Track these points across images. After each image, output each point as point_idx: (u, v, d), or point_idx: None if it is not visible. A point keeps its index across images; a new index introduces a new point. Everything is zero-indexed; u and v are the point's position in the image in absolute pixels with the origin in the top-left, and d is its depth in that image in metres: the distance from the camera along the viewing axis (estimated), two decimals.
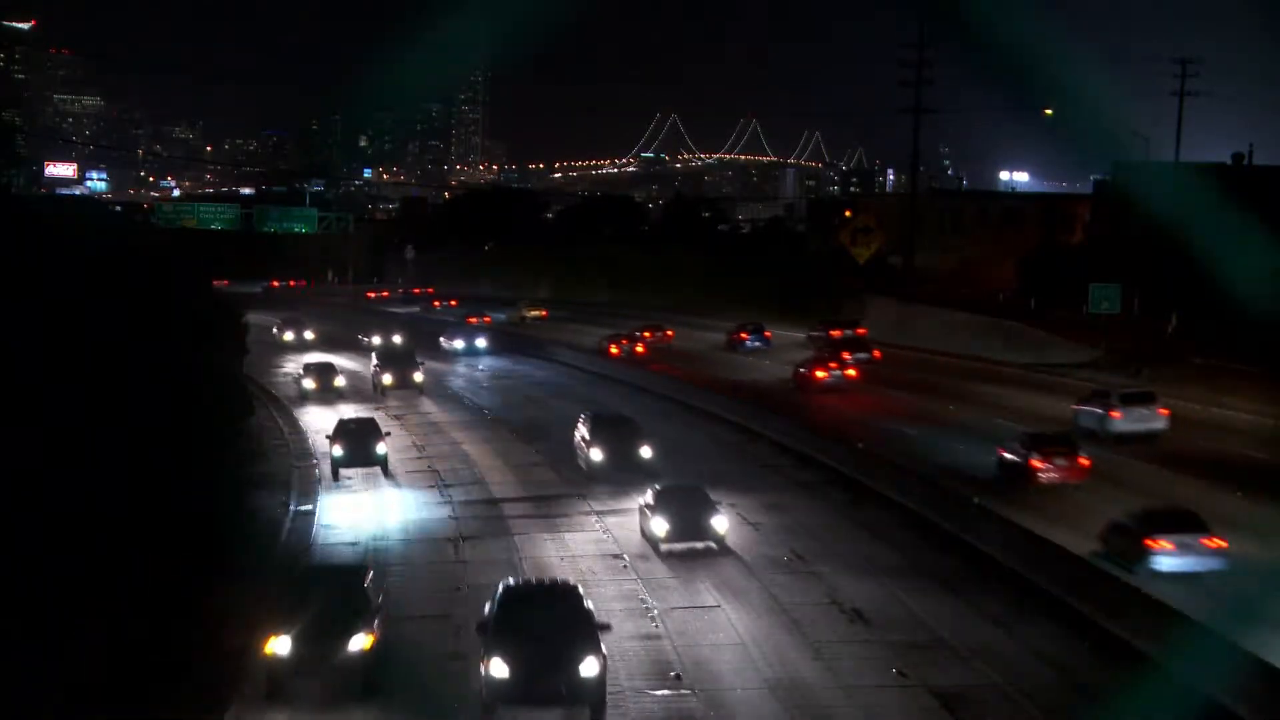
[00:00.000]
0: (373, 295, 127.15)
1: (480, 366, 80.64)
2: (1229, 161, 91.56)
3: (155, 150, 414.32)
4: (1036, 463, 41.73)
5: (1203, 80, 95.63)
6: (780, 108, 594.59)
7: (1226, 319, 57.06)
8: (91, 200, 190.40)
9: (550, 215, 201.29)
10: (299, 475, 48.50)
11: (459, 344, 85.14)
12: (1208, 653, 23.69)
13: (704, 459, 48.68)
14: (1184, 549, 31.45)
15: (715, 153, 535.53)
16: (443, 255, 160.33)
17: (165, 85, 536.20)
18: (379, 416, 55.12)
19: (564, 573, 32.70)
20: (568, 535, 39.13)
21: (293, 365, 75.87)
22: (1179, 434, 49.22)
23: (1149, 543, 31.60)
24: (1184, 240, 54.89)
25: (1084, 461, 42.18)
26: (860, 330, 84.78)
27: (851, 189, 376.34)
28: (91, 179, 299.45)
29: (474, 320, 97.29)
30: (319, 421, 57.49)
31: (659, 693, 26.03)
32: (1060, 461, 41.82)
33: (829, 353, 71.42)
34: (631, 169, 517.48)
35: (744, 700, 25.61)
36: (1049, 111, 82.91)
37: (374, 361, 69.71)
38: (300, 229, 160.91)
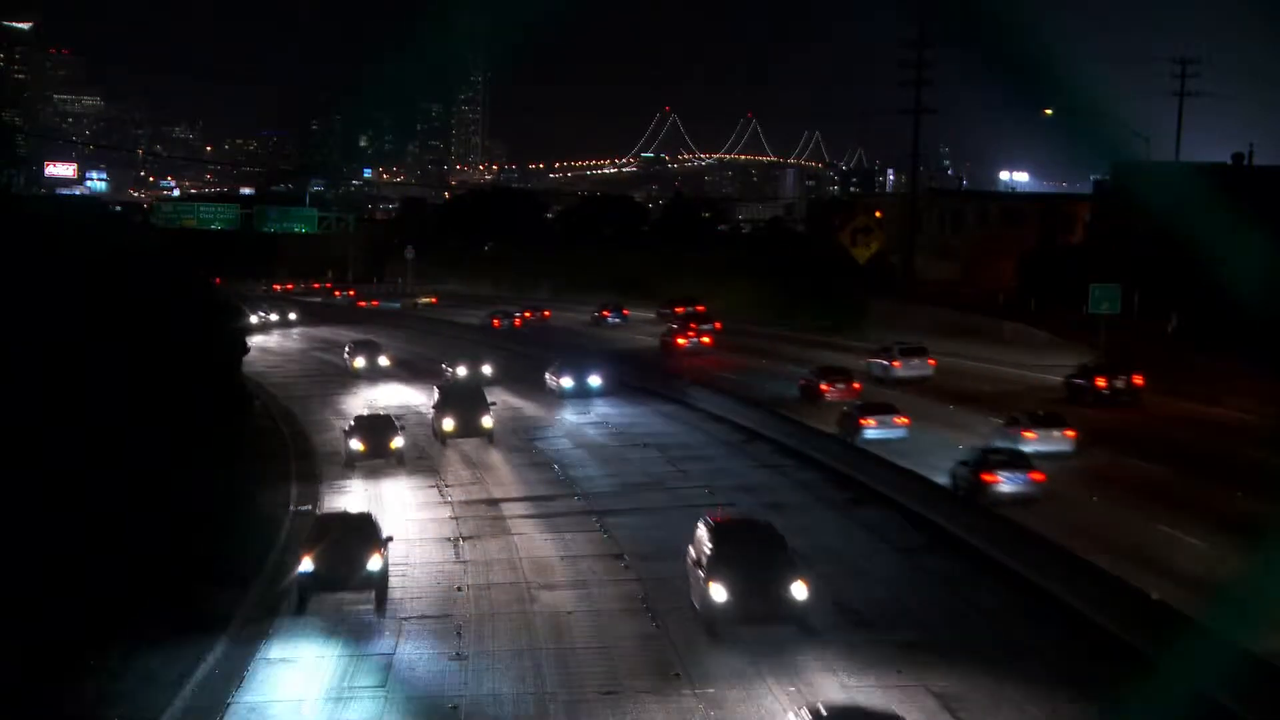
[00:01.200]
0: (499, 324, 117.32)
1: (592, 414, 61.85)
2: (1229, 161, 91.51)
3: (155, 150, 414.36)
4: (824, 386, 60.86)
5: (1203, 80, 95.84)
6: (780, 108, 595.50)
7: (1226, 319, 57.11)
8: (92, 200, 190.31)
9: (550, 215, 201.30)
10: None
11: (567, 382, 66.73)
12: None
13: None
14: (882, 424, 51.10)
15: (715, 153, 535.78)
16: (443, 255, 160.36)
17: (165, 85, 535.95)
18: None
19: None
20: None
21: (360, 401, 67.38)
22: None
23: (861, 421, 51.04)
24: (1184, 240, 54.92)
25: (856, 386, 60.66)
26: (700, 308, 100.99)
27: (851, 189, 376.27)
28: (91, 179, 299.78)
29: (363, 305, 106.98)
30: (356, 502, 43.53)
31: (659, 693, 26.04)
32: (839, 385, 60.58)
33: (689, 323, 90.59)
34: (631, 169, 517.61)
35: (744, 700, 25.62)
36: (1049, 111, 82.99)
37: (434, 400, 57.69)
38: (300, 229, 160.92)
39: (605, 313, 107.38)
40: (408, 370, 79.78)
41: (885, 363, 67.61)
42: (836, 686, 26.08)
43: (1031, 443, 46.40)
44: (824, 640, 28.56)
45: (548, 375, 67.98)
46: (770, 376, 70.59)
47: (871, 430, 50.47)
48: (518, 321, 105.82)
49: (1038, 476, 40.71)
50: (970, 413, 55.96)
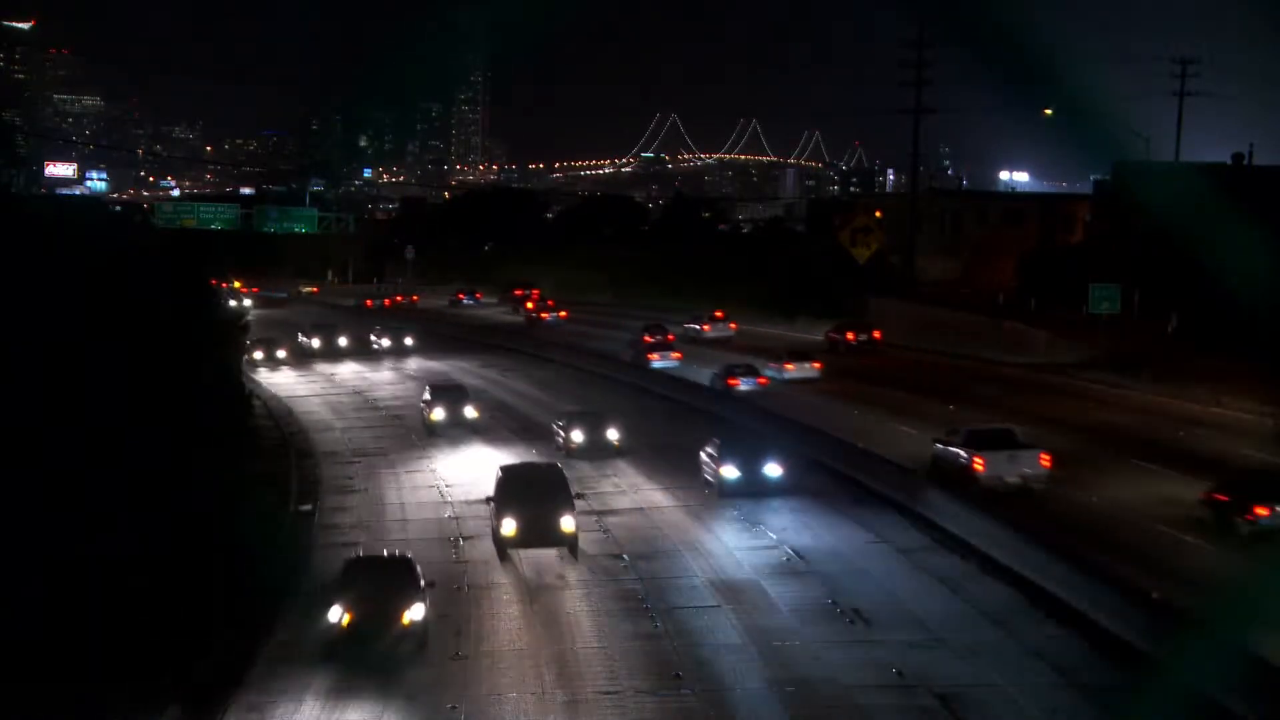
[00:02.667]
0: (371, 304, 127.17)
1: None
2: (1229, 161, 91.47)
3: (155, 150, 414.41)
4: (733, 380, 64.76)
5: (1203, 80, 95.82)
6: (780, 108, 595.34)
7: (1226, 319, 57.07)
8: (92, 200, 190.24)
9: (550, 215, 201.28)
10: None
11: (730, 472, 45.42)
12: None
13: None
14: (663, 358, 74.36)
15: (715, 153, 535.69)
16: (443, 255, 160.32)
17: (165, 85, 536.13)
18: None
19: None
20: None
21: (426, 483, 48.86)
22: (761, 340, 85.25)
23: (730, 381, 63.77)
24: (1184, 240, 54.87)
25: (763, 380, 65.46)
26: (535, 291, 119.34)
27: (851, 189, 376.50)
28: (91, 179, 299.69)
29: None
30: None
31: (659, 693, 26.03)
32: (747, 379, 64.90)
33: (550, 303, 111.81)
34: (631, 169, 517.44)
35: (744, 700, 25.61)
36: (1049, 111, 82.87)
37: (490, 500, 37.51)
38: (300, 229, 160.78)
39: (460, 295, 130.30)
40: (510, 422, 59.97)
41: (697, 326, 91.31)
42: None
43: (790, 372, 69.14)
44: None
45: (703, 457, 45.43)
46: (600, 338, 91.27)
47: (656, 362, 74.20)
48: (387, 302, 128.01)
49: (763, 380, 64.47)
50: (754, 357, 71.84)
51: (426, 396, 57.86)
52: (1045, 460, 41.39)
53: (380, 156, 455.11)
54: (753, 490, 41.72)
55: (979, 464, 41.07)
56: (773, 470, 42.21)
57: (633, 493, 44.68)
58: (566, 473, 38.48)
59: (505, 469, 38.45)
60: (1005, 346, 76.80)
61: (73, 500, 28.58)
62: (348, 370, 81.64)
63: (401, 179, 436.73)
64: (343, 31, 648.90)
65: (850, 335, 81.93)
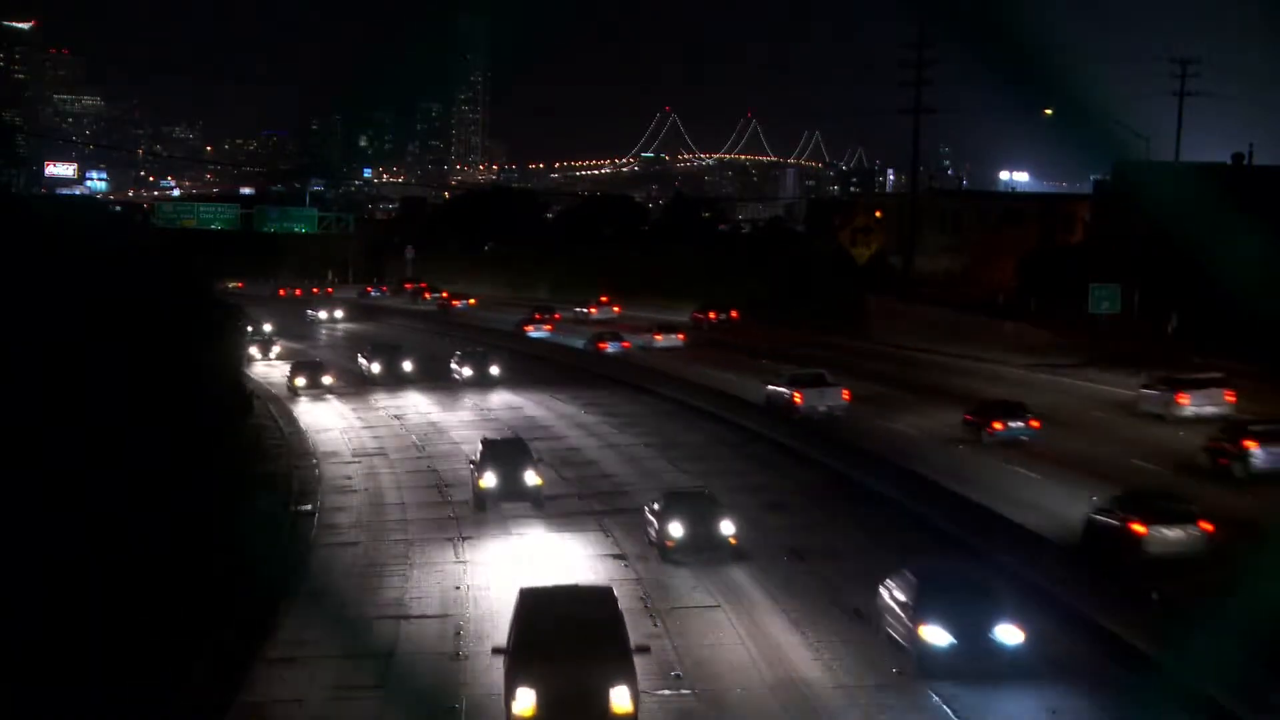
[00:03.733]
0: (284, 293, 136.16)
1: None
2: (1229, 161, 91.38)
3: (155, 150, 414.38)
4: (602, 344, 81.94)
5: (1203, 80, 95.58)
6: (780, 108, 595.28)
7: (1226, 319, 57.06)
8: (92, 200, 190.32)
9: (550, 215, 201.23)
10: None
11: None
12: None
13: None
14: (613, 345, 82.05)
15: (715, 153, 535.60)
16: (443, 255, 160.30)
17: (165, 85, 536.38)
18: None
19: None
20: None
21: None
22: (699, 349, 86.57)
23: (600, 345, 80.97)
24: (1184, 240, 54.88)
25: (626, 344, 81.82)
26: (423, 284, 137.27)
27: (851, 189, 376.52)
28: (91, 179, 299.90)
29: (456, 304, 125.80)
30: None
31: (659, 693, 26.01)
32: (614, 343, 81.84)
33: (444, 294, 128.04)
34: (631, 169, 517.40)
35: (744, 700, 25.60)
36: (1049, 111, 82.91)
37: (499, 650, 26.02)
38: (300, 229, 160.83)
39: (369, 289, 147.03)
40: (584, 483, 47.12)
41: (585, 310, 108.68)
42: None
43: (659, 341, 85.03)
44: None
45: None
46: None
47: (531, 332, 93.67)
48: (299, 292, 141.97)
49: (626, 344, 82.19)
50: (632, 332, 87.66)
51: (476, 455, 43.64)
52: (846, 395, 56.70)
53: (380, 156, 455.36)
54: None
55: (798, 398, 56.26)
56: None
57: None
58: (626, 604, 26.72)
59: (526, 596, 25.57)
60: (1005, 347, 76.75)
61: (73, 500, 28.57)
62: (412, 407, 66.04)
63: (401, 179, 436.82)
64: (343, 31, 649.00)
65: (712, 315, 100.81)
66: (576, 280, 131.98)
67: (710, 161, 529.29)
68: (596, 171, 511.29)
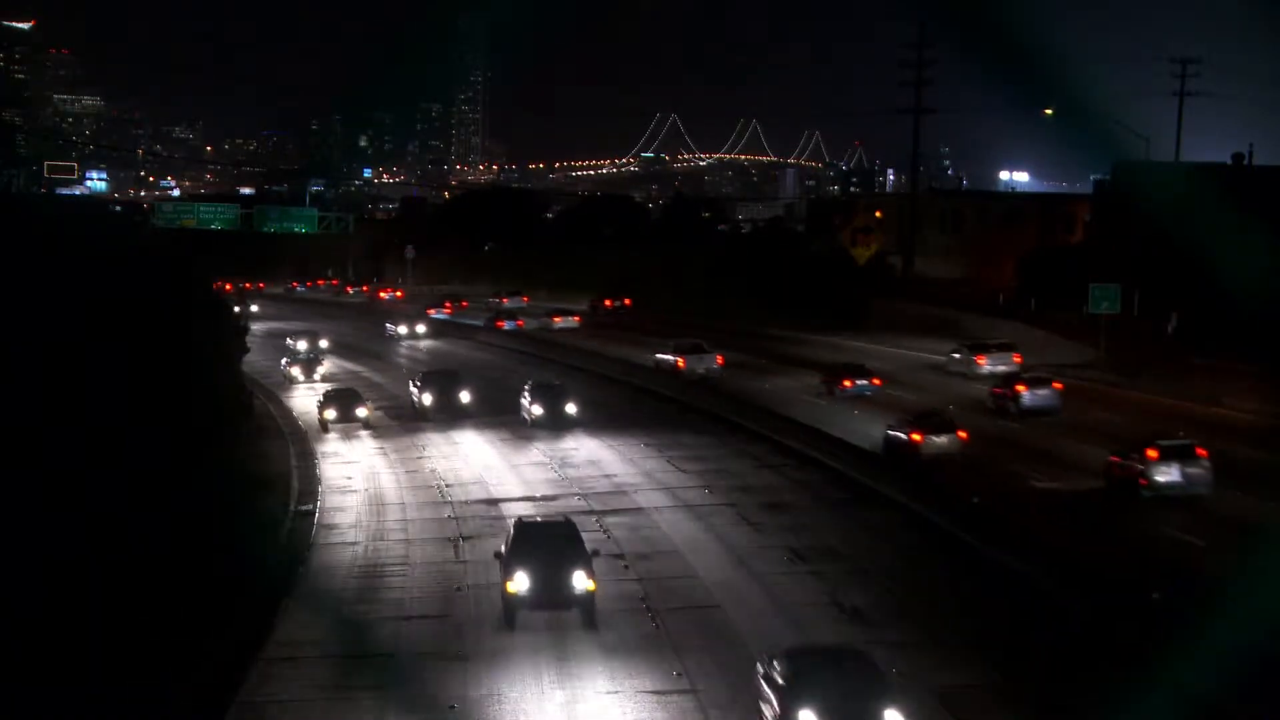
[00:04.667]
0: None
1: None
2: (1229, 161, 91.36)
3: (155, 150, 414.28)
4: (499, 323, 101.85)
5: (1203, 80, 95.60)
6: (780, 108, 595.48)
7: (1226, 319, 57.06)
8: (92, 200, 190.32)
9: (550, 215, 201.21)
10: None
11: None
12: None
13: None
14: (509, 324, 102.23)
15: (715, 153, 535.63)
16: (443, 255, 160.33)
17: (165, 85, 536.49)
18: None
19: None
20: None
21: None
22: (594, 330, 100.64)
23: (498, 323, 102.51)
24: (1184, 240, 54.90)
25: (520, 323, 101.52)
26: (335, 280, 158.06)
27: (851, 189, 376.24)
28: (91, 179, 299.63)
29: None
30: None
31: (659, 693, 26.02)
32: (510, 323, 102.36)
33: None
34: (631, 169, 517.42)
35: (744, 701, 25.59)
36: (1049, 111, 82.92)
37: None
38: (300, 229, 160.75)
39: (294, 284, 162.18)
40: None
41: (496, 300, 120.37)
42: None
43: (557, 323, 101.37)
44: None
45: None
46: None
47: (433, 314, 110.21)
48: (248, 286, 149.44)
49: (520, 323, 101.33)
50: (532, 317, 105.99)
51: (500, 549, 32.14)
52: (720, 360, 70.80)
53: (380, 156, 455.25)
54: None
55: (681, 363, 70.31)
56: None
57: None
58: None
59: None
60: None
61: (73, 500, 28.58)
62: (473, 453, 53.96)
63: (401, 179, 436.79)
64: (343, 31, 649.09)
65: (607, 302, 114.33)
66: (576, 280, 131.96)
67: (710, 161, 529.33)
68: (596, 171, 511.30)
